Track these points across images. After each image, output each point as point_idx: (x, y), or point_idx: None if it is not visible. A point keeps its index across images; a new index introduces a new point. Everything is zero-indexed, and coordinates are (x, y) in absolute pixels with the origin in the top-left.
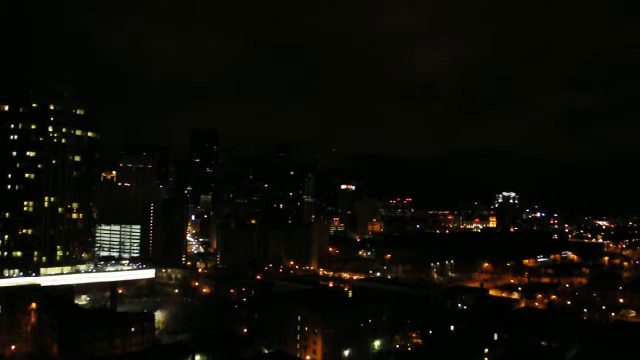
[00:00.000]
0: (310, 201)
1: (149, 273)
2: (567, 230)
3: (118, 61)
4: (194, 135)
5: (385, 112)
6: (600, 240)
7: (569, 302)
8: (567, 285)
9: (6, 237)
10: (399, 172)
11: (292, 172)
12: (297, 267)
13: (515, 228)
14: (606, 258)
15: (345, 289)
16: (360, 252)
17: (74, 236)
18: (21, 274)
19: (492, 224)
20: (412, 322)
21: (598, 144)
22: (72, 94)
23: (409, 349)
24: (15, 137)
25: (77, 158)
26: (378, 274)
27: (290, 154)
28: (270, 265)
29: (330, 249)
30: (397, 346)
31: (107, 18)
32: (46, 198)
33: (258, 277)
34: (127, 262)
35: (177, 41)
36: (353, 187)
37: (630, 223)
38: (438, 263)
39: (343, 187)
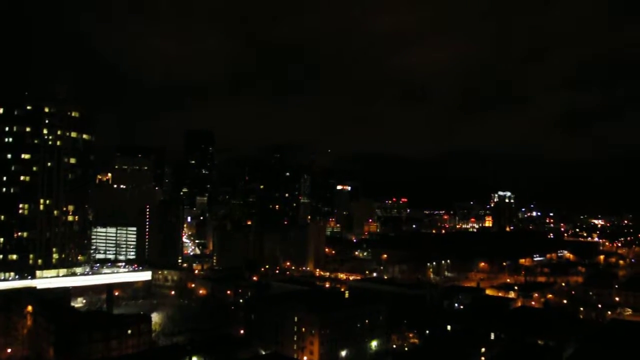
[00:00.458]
0: (306, 202)
1: (145, 275)
2: (563, 229)
3: (117, 61)
4: (189, 137)
5: (384, 112)
6: (596, 239)
7: (565, 301)
8: (563, 284)
9: (1, 240)
10: (395, 173)
11: (288, 173)
12: (293, 268)
13: (511, 227)
14: (602, 257)
15: (342, 290)
16: (356, 253)
17: (70, 239)
18: (17, 277)
19: (488, 223)
20: (408, 322)
21: (596, 144)
22: (67, 96)
23: (406, 349)
24: (10, 139)
25: (72, 160)
26: (374, 274)
27: (286, 155)
28: (267, 266)
29: (327, 249)
30: (394, 346)
31: (107, 18)
32: (41, 201)
33: (254, 278)
34: (123, 264)
35: (176, 41)
36: (349, 188)
37: (626, 222)
38: (434, 263)
39: (339, 187)
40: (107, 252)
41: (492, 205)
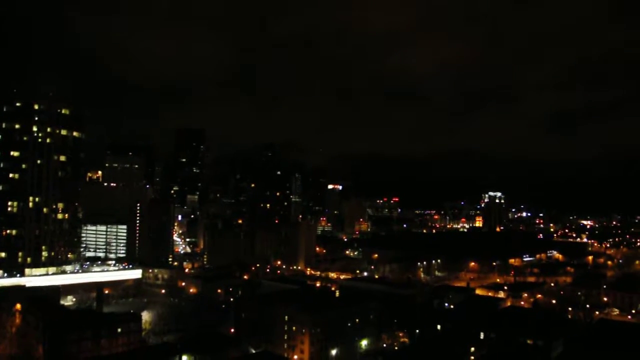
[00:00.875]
0: (297, 201)
1: (136, 273)
2: (552, 229)
3: (108, 60)
4: (180, 135)
5: (376, 112)
6: (585, 240)
7: (554, 301)
8: (552, 285)
9: None
10: (386, 173)
11: (279, 172)
12: (284, 266)
13: (501, 227)
14: (590, 257)
15: (333, 289)
16: (347, 252)
17: (60, 236)
18: (5, 275)
19: (479, 223)
20: (399, 321)
21: (587, 144)
22: (57, 94)
23: (396, 348)
24: None
25: (62, 158)
26: (365, 273)
27: (277, 154)
28: (258, 265)
29: (318, 248)
30: (384, 345)
31: (98, 16)
32: (31, 198)
33: (245, 277)
34: (114, 262)
35: (167, 41)
36: (340, 187)
37: (614, 222)
38: (425, 262)
39: (330, 187)
40: (97, 250)
41: (482, 205)
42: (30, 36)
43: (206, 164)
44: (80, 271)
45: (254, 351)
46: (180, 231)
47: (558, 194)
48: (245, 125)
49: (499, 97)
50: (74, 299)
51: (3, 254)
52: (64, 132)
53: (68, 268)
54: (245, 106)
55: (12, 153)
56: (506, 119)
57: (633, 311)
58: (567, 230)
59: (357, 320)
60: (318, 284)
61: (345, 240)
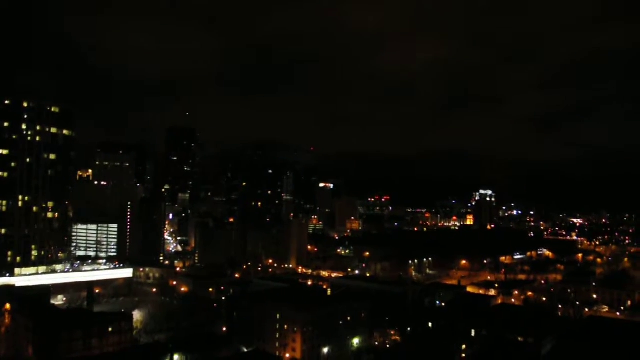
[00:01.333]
0: (289, 199)
1: (127, 272)
2: (542, 227)
3: (96, 58)
4: (171, 133)
5: (367, 111)
6: (575, 238)
7: (544, 299)
8: (542, 282)
9: None
10: (377, 171)
11: (270, 171)
12: (276, 265)
13: (492, 226)
14: (580, 255)
15: (324, 287)
16: (338, 250)
17: (50, 236)
18: None
19: (470, 221)
20: (390, 319)
21: (575, 144)
22: (47, 91)
23: (388, 346)
24: None
25: (52, 156)
26: (357, 272)
27: (268, 153)
28: (249, 263)
29: (309, 247)
30: (376, 343)
31: (90, 13)
32: (20, 197)
33: (237, 275)
34: (104, 261)
35: (157, 38)
36: (331, 186)
37: (604, 220)
38: (416, 261)
39: (322, 185)
40: (88, 250)
41: (473, 203)
42: (20, 34)
43: (197, 162)
44: (70, 270)
45: (245, 350)
46: (172, 230)
47: (548, 192)
48: (236, 124)
49: (490, 96)
50: (65, 299)
51: None
52: (53, 130)
53: (58, 267)
54: (237, 105)
55: (1, 151)
56: (497, 118)
57: (622, 308)
58: (557, 228)
59: (348, 318)
60: (310, 283)
61: (337, 238)
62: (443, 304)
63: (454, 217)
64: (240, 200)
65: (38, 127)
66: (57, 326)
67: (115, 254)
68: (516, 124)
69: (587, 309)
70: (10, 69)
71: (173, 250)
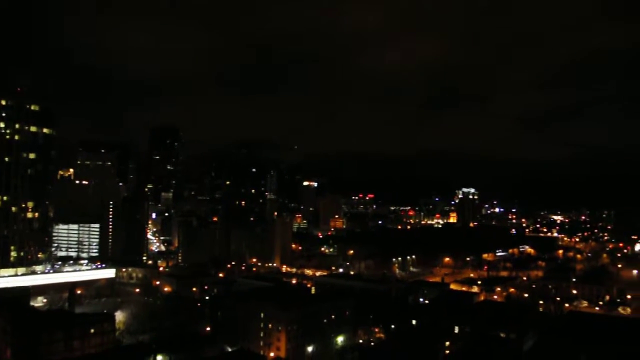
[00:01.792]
0: (272, 198)
1: (109, 273)
2: (524, 224)
3: (84, 57)
4: (154, 132)
5: (352, 111)
6: (556, 234)
7: (526, 295)
8: (524, 278)
9: None
10: (362, 170)
11: (254, 169)
12: (260, 264)
13: (475, 223)
14: (561, 251)
15: (309, 286)
16: (322, 249)
17: (29, 236)
18: None
19: (453, 219)
20: (374, 317)
21: (559, 143)
22: (27, 89)
23: (372, 343)
24: None
25: (31, 155)
26: (341, 270)
27: (252, 151)
28: (233, 262)
29: (293, 245)
30: (360, 341)
31: (76, 11)
32: None
33: (220, 275)
34: (86, 262)
35: (157, 38)
36: (315, 184)
37: (583, 217)
38: (400, 258)
39: (305, 184)
40: (69, 250)
41: (456, 201)
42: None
43: (181, 161)
44: (51, 271)
45: (230, 349)
46: (155, 229)
47: (529, 190)
48: (221, 123)
49: (475, 95)
50: (45, 300)
51: None
52: (33, 128)
53: (38, 268)
54: (221, 105)
55: None
56: (482, 117)
57: (600, 303)
58: (538, 225)
59: (333, 316)
60: (294, 281)
61: (321, 237)
62: (427, 301)
63: (437, 215)
64: (223, 199)
65: (17, 126)
66: (37, 328)
67: (97, 254)
68: (511, 123)
69: (567, 304)
70: (10, 69)
71: (156, 250)
